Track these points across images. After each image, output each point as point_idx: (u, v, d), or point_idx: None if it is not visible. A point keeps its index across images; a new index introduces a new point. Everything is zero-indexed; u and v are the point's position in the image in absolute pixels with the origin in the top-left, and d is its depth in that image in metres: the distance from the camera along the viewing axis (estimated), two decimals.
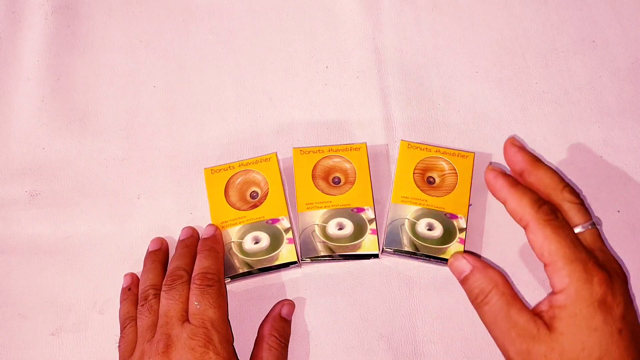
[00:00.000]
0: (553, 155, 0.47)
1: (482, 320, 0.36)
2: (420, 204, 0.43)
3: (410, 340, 0.42)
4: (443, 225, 0.42)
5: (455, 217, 0.43)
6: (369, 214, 0.43)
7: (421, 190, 0.44)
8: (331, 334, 0.43)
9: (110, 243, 0.46)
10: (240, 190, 0.45)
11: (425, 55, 0.51)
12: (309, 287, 0.44)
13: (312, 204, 0.44)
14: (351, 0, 0.52)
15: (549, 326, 0.33)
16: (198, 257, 0.42)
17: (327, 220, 0.43)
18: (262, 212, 0.44)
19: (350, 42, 0.51)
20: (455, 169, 0.44)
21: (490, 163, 0.44)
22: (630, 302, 0.33)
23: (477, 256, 0.39)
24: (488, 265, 0.37)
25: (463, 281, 0.37)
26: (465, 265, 0.37)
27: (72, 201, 0.47)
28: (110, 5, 0.53)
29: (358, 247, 0.43)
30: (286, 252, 0.43)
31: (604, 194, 0.46)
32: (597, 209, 0.46)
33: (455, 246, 0.42)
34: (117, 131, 0.49)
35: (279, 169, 0.45)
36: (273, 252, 0.42)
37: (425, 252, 0.42)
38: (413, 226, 0.43)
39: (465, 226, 0.42)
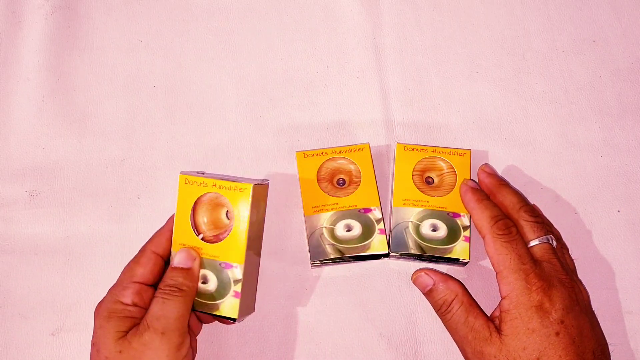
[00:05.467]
0: (553, 155, 0.47)
1: (445, 326, 0.40)
2: (422, 205, 0.43)
3: (410, 340, 0.42)
4: (447, 225, 0.42)
5: (458, 215, 0.43)
6: (376, 214, 0.43)
7: (421, 191, 0.44)
8: (331, 334, 0.43)
9: (110, 243, 0.46)
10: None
11: (425, 55, 0.51)
12: (310, 287, 0.44)
13: (319, 206, 0.43)
14: (351, 0, 0.52)
15: (498, 329, 0.37)
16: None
17: (334, 223, 0.43)
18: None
19: (350, 42, 0.51)
20: (453, 168, 0.44)
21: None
22: (574, 310, 0.36)
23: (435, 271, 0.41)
24: (448, 277, 0.40)
25: (427, 294, 0.41)
26: (428, 279, 0.40)
27: (72, 201, 0.47)
28: (110, 5, 0.53)
29: (367, 247, 0.42)
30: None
31: (604, 194, 0.46)
32: (597, 209, 0.46)
33: (461, 245, 0.42)
34: (117, 131, 0.49)
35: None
36: None
37: (432, 254, 0.42)
38: (417, 228, 0.42)
39: (468, 223, 0.42)
